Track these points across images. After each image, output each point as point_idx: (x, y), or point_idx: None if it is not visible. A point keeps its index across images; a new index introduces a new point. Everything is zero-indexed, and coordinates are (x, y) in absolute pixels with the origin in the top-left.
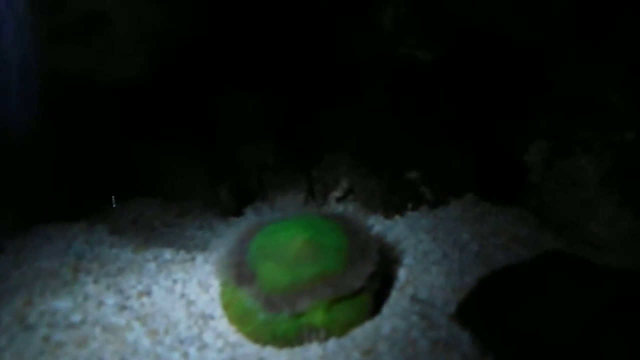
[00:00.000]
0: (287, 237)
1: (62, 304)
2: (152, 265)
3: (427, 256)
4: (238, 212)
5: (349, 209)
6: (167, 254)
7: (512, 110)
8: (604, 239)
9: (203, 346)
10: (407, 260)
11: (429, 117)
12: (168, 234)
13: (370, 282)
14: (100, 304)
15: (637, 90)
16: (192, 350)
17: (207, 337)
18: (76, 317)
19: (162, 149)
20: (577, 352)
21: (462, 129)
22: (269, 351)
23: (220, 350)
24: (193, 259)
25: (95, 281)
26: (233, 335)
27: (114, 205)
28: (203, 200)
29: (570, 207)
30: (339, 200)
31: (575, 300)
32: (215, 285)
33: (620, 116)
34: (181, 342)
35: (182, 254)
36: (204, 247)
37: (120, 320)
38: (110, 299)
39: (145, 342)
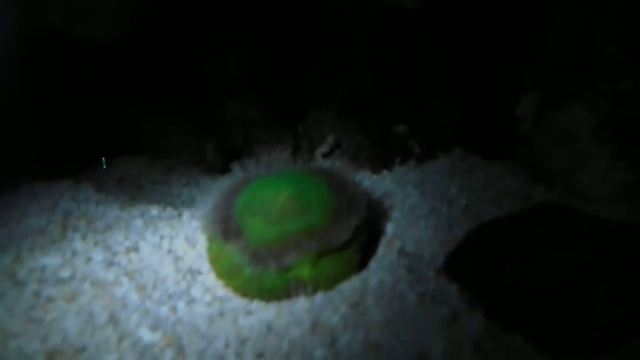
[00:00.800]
0: (273, 193)
1: (51, 260)
2: (139, 222)
3: (415, 210)
4: (224, 169)
5: (336, 164)
6: (154, 210)
7: (502, 61)
8: (596, 191)
9: (191, 300)
10: (395, 214)
11: (416, 69)
12: (154, 191)
13: (356, 236)
14: (89, 260)
15: (635, 40)
16: (181, 305)
17: (195, 291)
18: (65, 273)
19: (147, 108)
20: (567, 304)
21: (451, 81)
22: (257, 305)
23: (209, 304)
24: (180, 215)
25: (83, 238)
26: (221, 289)
27: (104, 166)
28: (189, 157)
29: (562, 159)
30: (325, 155)
31: (566, 252)
32: (202, 241)
33: (617, 66)
34: (169, 296)
35: (169, 210)
36: (190, 204)
37: (109, 275)
38: (99, 255)
39: (134, 297)
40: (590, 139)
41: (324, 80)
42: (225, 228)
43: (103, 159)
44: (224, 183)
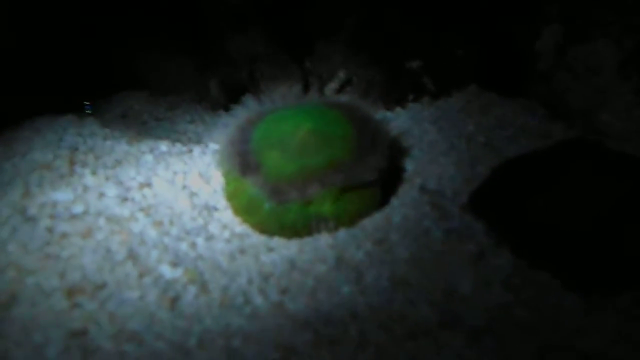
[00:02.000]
0: (291, 126)
1: (62, 195)
2: (149, 157)
3: (434, 147)
4: (229, 106)
5: (354, 99)
6: (163, 146)
7: None
8: (617, 129)
9: (210, 237)
10: (414, 151)
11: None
12: (159, 127)
13: (381, 174)
14: (101, 195)
15: None
16: (200, 241)
17: (213, 228)
18: (78, 209)
19: (147, 43)
20: (595, 240)
21: (466, 13)
22: (277, 241)
23: (228, 241)
24: (190, 151)
25: (93, 173)
26: (239, 226)
27: (89, 112)
28: (192, 93)
29: (583, 96)
30: (336, 92)
31: (594, 188)
32: (216, 177)
33: None
34: (187, 232)
35: (179, 146)
36: (197, 140)
37: (124, 211)
38: (111, 191)
39: (152, 232)
40: (613, 75)
41: (332, 10)
42: (243, 162)
43: (87, 103)
44: (234, 118)
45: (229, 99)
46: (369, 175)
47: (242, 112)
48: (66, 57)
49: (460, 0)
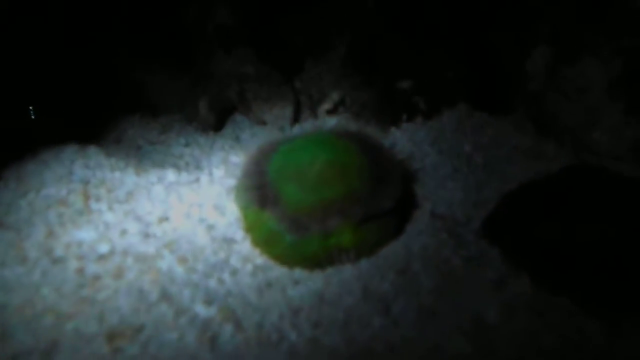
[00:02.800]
0: (307, 158)
1: (85, 234)
2: (160, 188)
3: (438, 170)
4: (219, 127)
5: (342, 122)
6: (170, 174)
7: (512, 12)
8: (608, 148)
9: (234, 271)
10: (419, 175)
11: (419, 20)
12: (155, 152)
13: (398, 203)
14: (124, 232)
15: None
16: (226, 276)
17: (235, 261)
18: (104, 248)
19: (137, 64)
20: (610, 264)
21: (456, 33)
22: (301, 273)
23: (253, 275)
24: (197, 180)
25: (110, 208)
26: (259, 257)
27: None
28: (182, 115)
29: (574, 115)
30: (329, 112)
31: (602, 212)
32: (230, 208)
33: (636, 18)
34: (212, 267)
35: (185, 175)
36: (196, 165)
37: (149, 248)
38: (132, 227)
39: (179, 270)
40: (603, 95)
41: (323, 31)
42: (261, 195)
43: None
44: (221, 141)
45: (218, 120)
46: (386, 204)
47: (228, 141)
48: (58, 78)
49: (451, 20)
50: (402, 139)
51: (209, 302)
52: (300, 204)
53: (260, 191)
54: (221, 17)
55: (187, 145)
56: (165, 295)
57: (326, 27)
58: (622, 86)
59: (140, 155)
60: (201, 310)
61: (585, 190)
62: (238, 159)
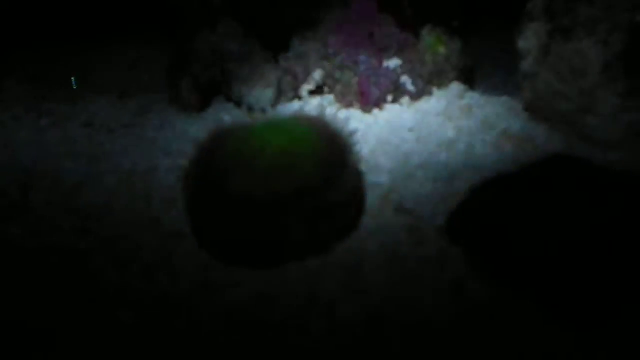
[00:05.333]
0: (259, 145)
1: None
2: (112, 179)
3: (411, 159)
4: (202, 108)
5: (324, 103)
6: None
7: None
8: (604, 134)
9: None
10: (390, 164)
11: None
12: (128, 135)
13: (353, 195)
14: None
15: None
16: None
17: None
18: None
19: (114, 41)
20: (580, 267)
21: (447, 8)
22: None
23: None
24: (156, 168)
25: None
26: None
27: None
28: (163, 96)
29: (568, 98)
30: (312, 93)
31: (579, 211)
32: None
33: None
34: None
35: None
36: (167, 152)
37: None
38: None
39: None
40: (600, 76)
41: (312, 4)
42: (207, 186)
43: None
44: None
45: (202, 100)
46: (341, 196)
47: (210, 125)
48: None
49: None
50: (382, 123)
51: None
52: (249, 197)
53: (206, 181)
54: None
55: (161, 128)
56: None
57: (316, 3)
58: (621, 66)
59: (110, 137)
60: None
61: (563, 185)
62: None
